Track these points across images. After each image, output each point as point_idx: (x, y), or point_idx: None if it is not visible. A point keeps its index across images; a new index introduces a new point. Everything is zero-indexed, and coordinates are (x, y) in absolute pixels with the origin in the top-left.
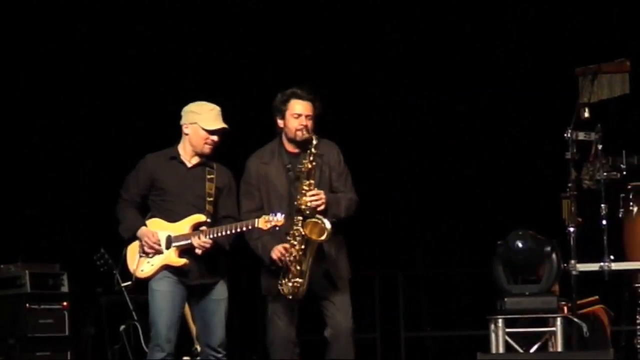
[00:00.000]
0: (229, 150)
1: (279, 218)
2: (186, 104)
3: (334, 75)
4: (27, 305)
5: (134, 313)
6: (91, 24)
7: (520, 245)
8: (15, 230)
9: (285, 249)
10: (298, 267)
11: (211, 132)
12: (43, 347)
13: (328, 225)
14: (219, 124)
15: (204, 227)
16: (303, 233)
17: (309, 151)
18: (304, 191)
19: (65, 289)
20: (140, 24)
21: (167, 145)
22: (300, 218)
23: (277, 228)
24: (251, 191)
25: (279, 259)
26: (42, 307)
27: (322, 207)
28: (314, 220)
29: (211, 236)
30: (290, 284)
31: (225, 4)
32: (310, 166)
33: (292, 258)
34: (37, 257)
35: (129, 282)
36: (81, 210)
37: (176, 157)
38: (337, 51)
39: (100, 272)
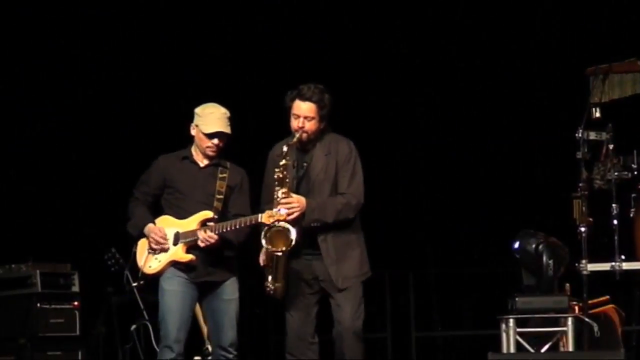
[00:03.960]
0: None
1: (282, 213)
2: (201, 104)
3: (345, 73)
4: (38, 304)
5: (145, 312)
6: (104, 20)
7: (524, 244)
8: (26, 230)
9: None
10: (270, 270)
11: (210, 136)
12: (54, 346)
13: (293, 234)
14: (217, 128)
15: (210, 223)
16: (264, 244)
17: (282, 160)
18: (277, 199)
19: (76, 288)
20: (155, 20)
21: (181, 147)
22: (266, 228)
23: (280, 222)
24: (268, 183)
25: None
26: (53, 306)
27: (294, 216)
28: (277, 228)
29: (217, 231)
30: (265, 284)
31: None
32: (281, 175)
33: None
34: (48, 257)
35: (141, 282)
36: (92, 209)
37: (188, 157)
38: (345, 51)
39: (111, 272)
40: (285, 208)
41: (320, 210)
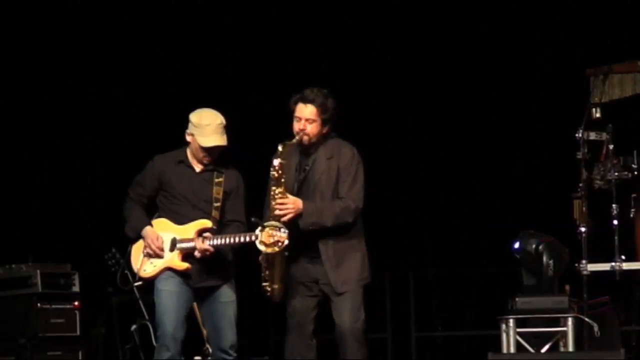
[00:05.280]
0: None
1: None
2: (197, 104)
3: (344, 74)
4: (38, 305)
5: (145, 312)
6: (103, 22)
7: (524, 245)
8: (27, 230)
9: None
10: (267, 272)
11: (207, 149)
12: (54, 346)
13: (284, 234)
14: (214, 142)
15: (207, 234)
16: (258, 245)
17: (277, 159)
18: (273, 198)
19: (76, 288)
20: (152, 22)
21: (177, 146)
22: (259, 228)
23: (280, 243)
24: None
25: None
26: (53, 306)
27: (287, 217)
28: (272, 227)
29: (213, 243)
30: (263, 287)
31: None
32: (276, 174)
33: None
34: (48, 257)
35: (140, 282)
36: (92, 210)
37: (184, 162)
38: (347, 52)
39: (111, 272)
40: (279, 208)
41: (318, 214)
